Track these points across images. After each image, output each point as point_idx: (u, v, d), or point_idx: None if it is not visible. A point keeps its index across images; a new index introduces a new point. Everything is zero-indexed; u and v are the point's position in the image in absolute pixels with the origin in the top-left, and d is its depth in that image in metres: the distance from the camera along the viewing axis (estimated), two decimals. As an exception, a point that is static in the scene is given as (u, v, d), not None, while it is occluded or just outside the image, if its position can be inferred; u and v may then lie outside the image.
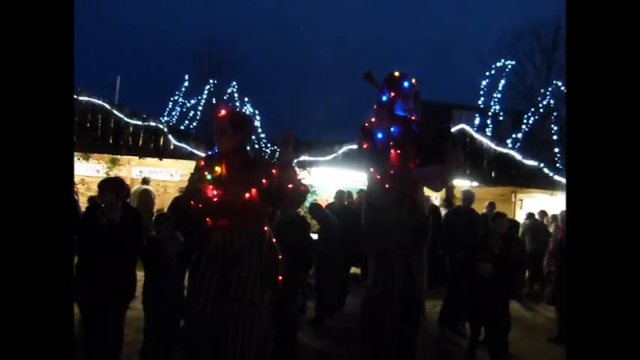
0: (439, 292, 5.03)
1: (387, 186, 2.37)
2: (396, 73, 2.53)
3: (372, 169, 2.42)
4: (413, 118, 2.51)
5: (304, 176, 8.78)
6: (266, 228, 2.31)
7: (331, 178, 9.21)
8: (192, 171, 2.40)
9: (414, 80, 2.52)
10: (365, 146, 2.43)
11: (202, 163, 2.36)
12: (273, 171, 2.26)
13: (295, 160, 8.68)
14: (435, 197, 9.23)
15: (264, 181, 2.19)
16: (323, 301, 4.82)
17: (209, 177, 2.24)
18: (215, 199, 2.18)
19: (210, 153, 2.43)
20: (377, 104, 2.52)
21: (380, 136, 2.38)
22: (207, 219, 2.23)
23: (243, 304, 2.13)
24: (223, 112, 2.34)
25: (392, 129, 2.41)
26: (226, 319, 2.10)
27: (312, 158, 8.79)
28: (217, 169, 2.25)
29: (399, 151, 2.39)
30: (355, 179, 8.71)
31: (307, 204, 7.98)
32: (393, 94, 2.47)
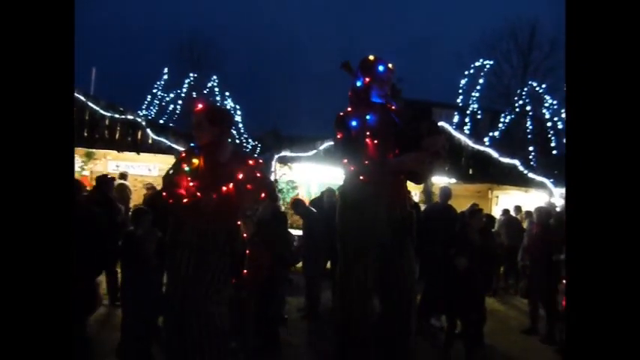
0: (417, 286, 5.11)
1: (361, 178, 2.15)
2: (371, 57, 2.31)
3: (345, 160, 2.20)
4: (392, 106, 2.32)
5: (284, 172, 8.76)
6: (239, 222, 2.35)
7: (312, 174, 9.22)
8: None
9: (390, 65, 2.31)
10: (339, 136, 2.22)
11: (183, 155, 2.38)
12: (251, 164, 2.30)
13: (276, 156, 8.68)
14: (415, 193, 9.37)
15: (240, 175, 2.22)
16: (309, 296, 4.84)
17: (187, 169, 2.26)
18: (190, 193, 2.20)
19: (192, 145, 2.42)
20: (351, 91, 2.33)
21: (354, 124, 2.17)
22: (182, 212, 2.22)
23: (208, 296, 2.16)
24: (200, 105, 2.35)
25: (368, 117, 2.21)
26: (192, 310, 2.14)
27: (293, 154, 8.77)
28: (195, 161, 2.27)
29: (375, 141, 2.18)
30: (337, 175, 8.73)
31: (289, 199, 8.01)
32: (367, 79, 2.27)
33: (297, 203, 5.20)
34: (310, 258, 4.88)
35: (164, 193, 2.27)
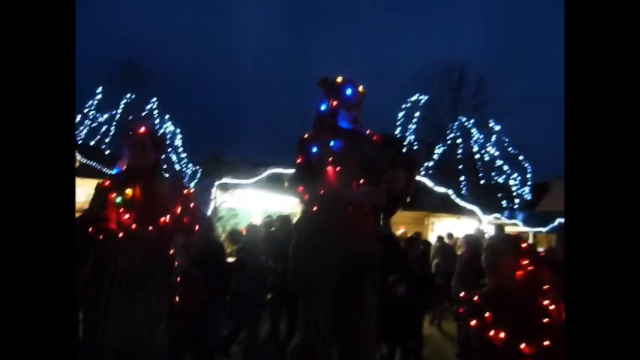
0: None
1: (314, 208, 1.96)
2: (339, 79, 2.12)
3: (301, 188, 2.00)
4: (363, 131, 2.13)
5: (225, 199, 8.54)
6: (172, 252, 2.23)
7: (254, 202, 9.09)
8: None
9: (361, 88, 2.11)
10: (298, 161, 2.03)
11: (107, 184, 2.15)
12: (186, 195, 2.20)
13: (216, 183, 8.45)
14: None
15: (178, 208, 2.14)
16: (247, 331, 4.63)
17: (119, 200, 2.09)
18: (124, 225, 2.04)
19: (115, 173, 2.22)
20: (316, 114, 2.14)
21: (315, 149, 2.00)
22: (115, 246, 2.05)
23: (145, 334, 2.04)
24: (144, 127, 2.23)
25: (332, 142, 2.02)
26: (130, 347, 1.99)
27: (235, 180, 8.60)
28: (129, 191, 2.11)
29: (338, 169, 1.98)
30: (280, 203, 8.70)
31: (229, 228, 7.79)
32: (334, 102, 2.08)
33: (232, 234, 5.12)
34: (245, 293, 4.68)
35: (90, 229, 2.04)
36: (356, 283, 1.98)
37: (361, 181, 2.01)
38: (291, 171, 2.15)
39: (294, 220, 2.42)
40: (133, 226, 2.04)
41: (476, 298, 1.83)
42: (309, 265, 1.95)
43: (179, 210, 2.13)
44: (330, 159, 1.98)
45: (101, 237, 2.02)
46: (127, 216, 2.06)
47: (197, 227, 2.24)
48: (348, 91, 2.08)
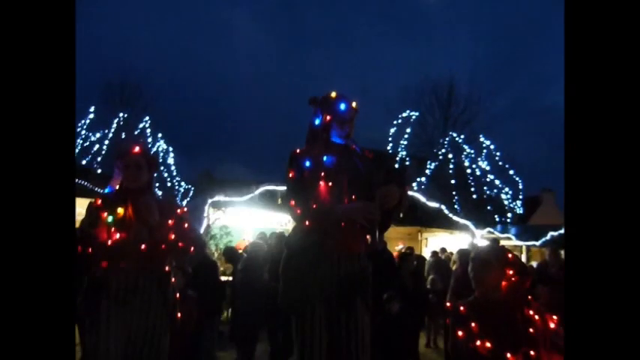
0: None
1: (306, 223, 1.93)
2: (333, 94, 2.13)
3: (292, 202, 1.96)
4: (354, 147, 2.13)
5: (218, 217, 8.48)
6: (168, 268, 2.19)
7: (247, 219, 9.04)
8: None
9: (354, 104, 2.13)
10: (290, 175, 2.01)
11: (99, 203, 2.12)
12: (179, 215, 2.19)
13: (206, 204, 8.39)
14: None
15: (170, 222, 2.13)
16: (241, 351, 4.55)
17: (110, 219, 2.06)
18: (116, 243, 2.03)
19: (106, 192, 2.19)
20: (309, 129, 2.14)
21: (307, 164, 1.99)
22: (104, 262, 2.03)
23: (152, 350, 2.04)
24: (139, 146, 2.22)
25: (324, 157, 2.02)
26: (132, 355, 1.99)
27: (227, 198, 8.56)
28: (120, 210, 2.08)
29: (330, 184, 1.96)
30: (273, 221, 8.67)
31: (222, 246, 7.71)
32: (327, 117, 2.08)
33: (227, 251, 5.05)
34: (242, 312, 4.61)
35: (79, 247, 2.02)
36: (349, 303, 1.94)
37: (353, 197, 1.99)
38: (284, 188, 2.11)
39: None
40: (124, 243, 2.03)
41: (462, 308, 1.84)
42: (301, 284, 1.92)
43: (173, 233, 2.11)
44: (322, 174, 1.96)
45: (90, 251, 2.00)
46: (118, 235, 2.03)
47: (192, 249, 2.22)
48: (342, 107, 2.08)
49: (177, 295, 2.27)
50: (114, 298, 2.01)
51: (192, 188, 15.50)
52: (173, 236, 2.12)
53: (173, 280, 2.26)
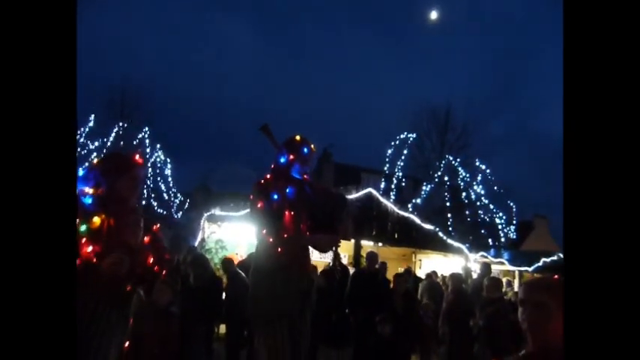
0: (344, 353, 5.02)
1: (278, 250, 2.28)
2: (297, 137, 2.53)
3: (264, 231, 2.31)
4: (306, 177, 2.53)
5: (213, 231, 8.45)
6: (129, 289, 2.02)
7: (242, 234, 9.01)
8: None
9: (312, 146, 2.56)
10: (259, 205, 2.32)
11: None
12: (155, 233, 2.09)
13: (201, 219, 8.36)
14: (344, 255, 9.50)
15: (146, 239, 2.02)
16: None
17: (83, 228, 1.82)
18: (83, 257, 1.79)
19: (83, 198, 1.93)
20: (274, 164, 2.49)
21: (275, 197, 2.32)
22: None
23: None
24: (142, 161, 2.13)
25: (287, 190, 2.38)
26: None
27: (223, 213, 8.55)
28: (96, 220, 1.86)
29: (292, 213, 2.35)
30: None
31: (217, 260, 7.66)
32: (292, 157, 2.46)
33: (225, 262, 5.05)
34: (233, 325, 4.60)
35: None
36: (303, 313, 2.36)
37: (308, 223, 2.43)
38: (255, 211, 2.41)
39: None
40: (94, 260, 1.81)
41: None
42: (271, 300, 2.26)
43: (150, 256, 1.98)
44: (287, 205, 2.34)
45: None
46: (90, 248, 1.82)
47: (164, 272, 2.14)
48: (305, 150, 2.51)
49: (160, 311, 2.12)
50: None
51: (188, 201, 15.46)
52: (151, 260, 1.98)
53: (157, 294, 2.13)
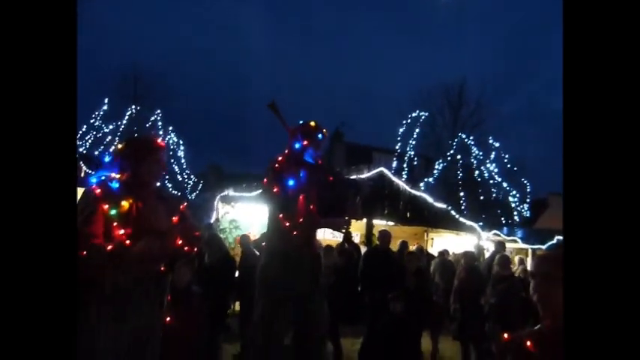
0: (359, 329, 5.12)
1: (294, 233, 2.39)
2: (312, 124, 2.61)
3: (281, 215, 2.41)
4: (320, 162, 2.63)
5: (227, 211, 8.55)
6: (164, 268, 2.07)
7: (255, 214, 9.12)
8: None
9: (325, 131, 2.67)
10: (275, 190, 2.42)
11: (98, 192, 1.88)
12: (182, 212, 2.11)
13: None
14: (356, 234, 9.57)
15: (174, 219, 2.04)
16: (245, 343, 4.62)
17: (113, 212, 1.86)
18: (116, 240, 1.83)
19: (104, 179, 1.95)
20: (288, 149, 2.57)
21: (291, 183, 2.42)
22: (97, 262, 1.79)
23: (148, 349, 1.93)
24: (163, 143, 2.12)
25: (301, 173, 2.48)
26: None
27: (236, 193, 8.63)
28: (125, 203, 1.89)
29: (304, 195, 2.45)
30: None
31: (231, 240, 7.80)
32: (306, 142, 2.55)
33: (242, 238, 5.16)
34: (246, 302, 4.69)
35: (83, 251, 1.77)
36: (312, 292, 2.52)
37: (316, 204, 2.53)
38: (266, 194, 2.55)
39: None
40: (127, 242, 1.85)
41: (528, 343, 1.34)
42: (285, 279, 2.39)
43: (179, 237, 2.00)
44: (301, 189, 2.44)
45: (84, 253, 1.76)
46: (122, 231, 1.85)
47: (194, 250, 2.14)
48: (320, 136, 2.62)
49: (169, 297, 2.16)
50: (106, 305, 1.83)
51: (201, 182, 15.64)
52: (180, 241, 2.00)
53: (177, 278, 2.18)
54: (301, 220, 2.39)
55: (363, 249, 7.21)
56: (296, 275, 2.40)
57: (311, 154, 2.57)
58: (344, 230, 2.51)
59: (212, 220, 8.09)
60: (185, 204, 2.22)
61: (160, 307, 2.03)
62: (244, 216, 8.80)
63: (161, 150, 2.08)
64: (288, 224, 2.38)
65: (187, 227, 2.08)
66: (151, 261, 1.95)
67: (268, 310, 2.41)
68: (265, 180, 2.49)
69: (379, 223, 9.48)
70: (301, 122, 2.63)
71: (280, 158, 2.49)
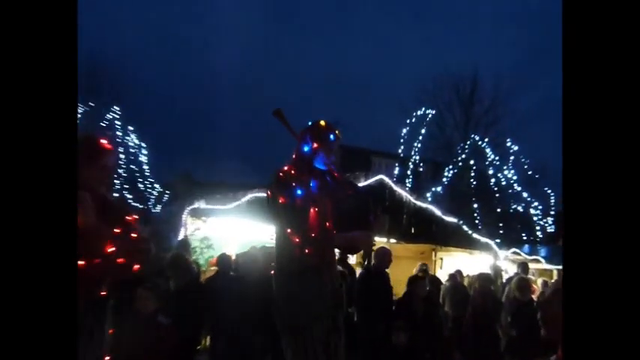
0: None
1: (306, 251, 2.35)
2: (322, 123, 2.61)
3: (289, 230, 2.39)
4: (335, 173, 2.61)
5: (198, 227, 8.52)
6: (104, 294, 2.04)
7: (232, 230, 9.08)
8: None
9: (338, 132, 2.63)
10: (281, 201, 2.39)
11: None
12: (129, 220, 2.09)
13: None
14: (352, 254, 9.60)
15: (115, 231, 1.99)
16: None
17: None
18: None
19: None
20: (296, 154, 2.57)
21: (299, 192, 2.39)
22: None
23: None
24: (110, 146, 2.13)
25: (311, 184, 2.46)
26: None
27: (209, 206, 8.59)
28: None
29: (317, 209, 2.42)
30: (263, 233, 8.70)
31: (203, 262, 7.75)
32: (316, 145, 2.54)
33: (221, 258, 5.14)
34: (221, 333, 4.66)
35: None
36: (336, 318, 2.47)
37: (335, 221, 2.49)
38: (271, 205, 2.48)
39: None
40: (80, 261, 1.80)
41: None
42: (302, 304, 2.37)
43: (113, 244, 1.95)
44: (312, 200, 2.40)
45: None
46: None
47: (136, 267, 2.08)
48: (332, 137, 2.57)
49: (145, 321, 2.09)
50: None
51: (169, 193, 15.56)
52: (112, 248, 1.94)
53: (139, 302, 2.11)
54: (314, 234, 2.36)
55: (359, 271, 7.23)
56: (315, 299, 2.38)
57: (323, 159, 2.55)
58: (372, 248, 2.51)
59: (180, 238, 8.03)
60: (135, 216, 2.18)
61: (89, 339, 1.96)
62: (218, 233, 8.77)
63: (107, 153, 2.08)
64: (298, 240, 2.36)
65: (131, 239, 2.03)
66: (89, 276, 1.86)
67: (291, 344, 2.38)
68: (269, 192, 2.47)
69: (379, 241, 9.53)
70: (310, 123, 2.63)
71: (286, 168, 2.48)
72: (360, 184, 9.66)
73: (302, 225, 2.35)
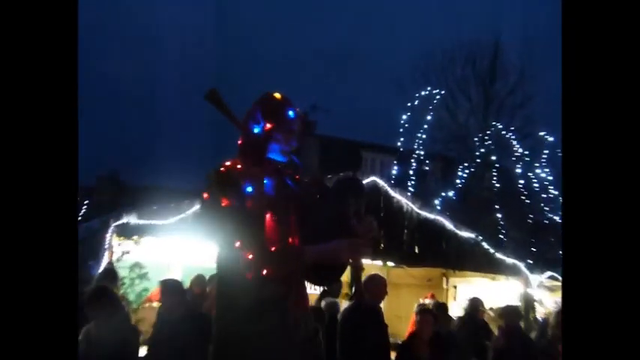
0: None
1: (264, 272, 2.15)
2: (277, 95, 2.45)
3: (238, 243, 2.18)
4: (297, 173, 2.51)
5: (127, 250, 8.42)
6: None
7: (175, 254, 8.98)
8: None
9: (298, 109, 2.49)
10: (224, 203, 2.21)
11: None
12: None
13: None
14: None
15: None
16: None
17: None
18: None
19: None
20: (243, 139, 2.42)
21: (250, 189, 2.22)
22: None
23: None
24: None
25: (266, 181, 2.31)
26: None
27: (143, 221, 8.48)
28: None
29: (276, 217, 2.26)
30: (214, 256, 8.63)
31: (133, 297, 7.65)
32: (269, 125, 2.38)
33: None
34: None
35: None
36: None
37: (303, 235, 2.35)
38: (209, 211, 2.33)
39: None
40: None
41: None
42: (257, 354, 2.18)
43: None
44: (267, 202, 2.26)
45: None
46: None
47: None
48: (290, 113, 2.42)
49: None
50: None
51: (86, 201, 15.35)
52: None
53: None
54: (274, 248, 2.18)
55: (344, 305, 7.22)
56: (280, 347, 2.19)
57: (279, 145, 2.40)
58: (361, 268, 2.37)
59: (102, 265, 7.94)
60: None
61: None
62: (156, 257, 8.68)
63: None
64: (251, 256, 2.15)
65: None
66: None
67: None
68: (206, 194, 2.31)
69: (370, 265, 9.54)
70: (260, 97, 2.47)
71: (229, 163, 2.32)
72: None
73: (256, 235, 2.16)
